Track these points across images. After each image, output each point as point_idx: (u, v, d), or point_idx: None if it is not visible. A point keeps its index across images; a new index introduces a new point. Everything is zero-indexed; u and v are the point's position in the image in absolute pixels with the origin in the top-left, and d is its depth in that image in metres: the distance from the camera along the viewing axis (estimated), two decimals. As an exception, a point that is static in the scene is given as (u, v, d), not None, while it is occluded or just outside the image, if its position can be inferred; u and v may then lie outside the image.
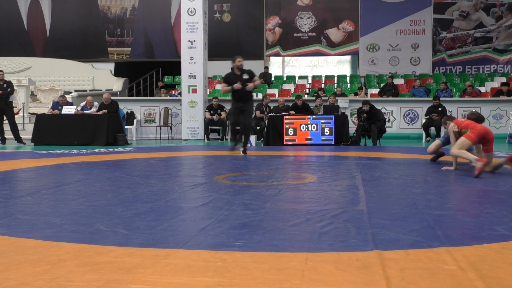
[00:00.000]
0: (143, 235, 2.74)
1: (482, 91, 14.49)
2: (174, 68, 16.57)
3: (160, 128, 13.36)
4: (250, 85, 7.98)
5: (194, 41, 12.81)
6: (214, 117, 12.44)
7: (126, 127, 12.43)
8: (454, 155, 5.59)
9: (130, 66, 19.25)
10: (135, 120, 13.27)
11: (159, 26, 18.90)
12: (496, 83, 15.11)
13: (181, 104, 13.11)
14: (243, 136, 8.30)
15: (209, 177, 5.27)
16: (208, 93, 14.18)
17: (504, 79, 15.26)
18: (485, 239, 2.60)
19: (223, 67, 17.45)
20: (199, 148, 10.00)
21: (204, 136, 12.62)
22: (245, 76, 8.03)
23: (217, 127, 12.76)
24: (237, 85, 7.93)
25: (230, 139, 8.73)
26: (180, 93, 14.01)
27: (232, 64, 8.18)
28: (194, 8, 12.78)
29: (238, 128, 8.44)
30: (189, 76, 12.88)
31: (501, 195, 4.05)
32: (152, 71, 18.25)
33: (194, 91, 12.89)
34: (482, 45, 17.39)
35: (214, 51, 16.65)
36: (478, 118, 5.84)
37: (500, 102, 13.00)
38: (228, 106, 12.77)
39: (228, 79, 8.17)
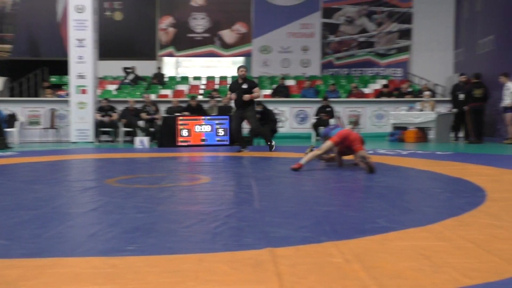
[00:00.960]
0: (26, 244, 2.57)
1: (366, 92, 15.40)
2: (63, 67, 15.76)
3: (46, 131, 12.66)
4: (246, 96, 8.50)
5: (84, 39, 12.29)
6: (105, 118, 12.02)
7: (7, 130, 11.60)
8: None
9: (11, 64, 17.99)
10: (17, 123, 12.43)
11: (44, 22, 17.86)
12: (378, 84, 16.11)
13: (69, 105, 12.51)
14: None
15: (99, 181, 5.08)
16: (98, 94, 13.67)
17: (385, 81, 16.34)
18: (368, 232, 2.76)
19: (115, 67, 16.99)
20: (89, 151, 9.63)
21: (95, 138, 12.17)
22: (244, 86, 8.63)
23: (109, 129, 12.35)
24: (232, 96, 8.76)
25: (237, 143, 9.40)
26: (68, 94, 13.37)
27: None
28: (82, 5, 12.25)
29: (238, 133, 9.02)
30: (77, 76, 12.32)
31: (382, 190, 4.32)
32: (37, 70, 17.22)
33: (84, 91, 12.35)
34: (366, 49, 18.47)
35: (106, 51, 16.08)
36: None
37: (382, 102, 13.90)
38: (119, 108, 12.45)
39: (231, 87, 9.03)
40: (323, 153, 6.05)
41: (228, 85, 16.65)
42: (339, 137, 5.87)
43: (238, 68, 8.92)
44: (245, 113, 8.80)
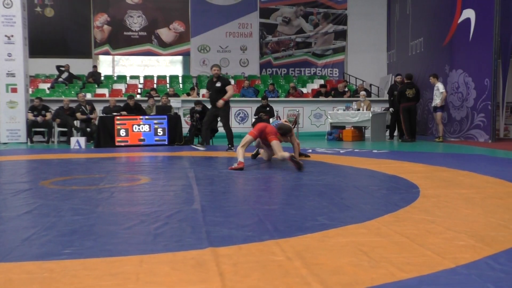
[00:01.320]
0: (-45, 251, 2.44)
1: (304, 92, 15.65)
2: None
3: (-26, 131, 12.03)
4: (220, 103, 8.79)
5: (12, 36, 11.77)
6: (38, 118, 11.58)
7: None
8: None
9: None
10: None
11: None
12: (315, 84, 16.42)
13: (-2, 105, 11.96)
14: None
15: (33, 183, 4.88)
16: (30, 92, 13.14)
17: (322, 81, 16.67)
18: (308, 229, 2.81)
19: (48, 65, 16.36)
20: (21, 152, 9.23)
21: (27, 139, 11.69)
22: (218, 84, 8.92)
23: (42, 129, 11.89)
24: (205, 94, 9.27)
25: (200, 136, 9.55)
26: (-3, 92, 12.76)
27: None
28: (10, 0, 11.73)
29: (206, 129, 9.48)
30: (7, 74, 11.81)
31: (322, 188, 4.41)
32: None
33: (14, 90, 11.85)
34: (303, 49, 18.76)
35: (38, 48, 15.54)
36: (284, 133, 6.27)
37: (319, 102, 14.18)
38: (54, 107, 12.02)
39: (207, 85, 9.45)
40: (245, 147, 6.15)
41: (167, 85, 16.60)
42: (257, 130, 6.16)
43: (211, 67, 9.23)
44: (219, 111, 9.05)
